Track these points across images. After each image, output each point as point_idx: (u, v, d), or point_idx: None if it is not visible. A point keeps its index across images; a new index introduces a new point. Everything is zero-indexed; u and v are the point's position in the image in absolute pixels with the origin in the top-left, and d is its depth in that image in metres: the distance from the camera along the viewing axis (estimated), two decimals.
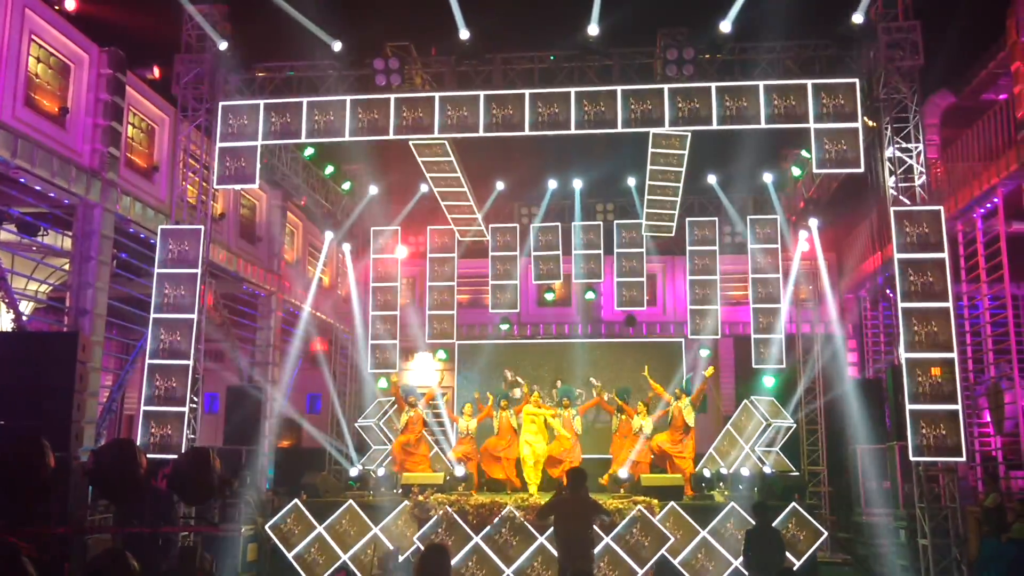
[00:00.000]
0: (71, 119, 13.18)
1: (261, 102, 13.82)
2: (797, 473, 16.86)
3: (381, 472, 15.53)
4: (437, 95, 13.49)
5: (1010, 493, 14.67)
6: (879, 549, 14.96)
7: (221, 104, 13.91)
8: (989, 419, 16.30)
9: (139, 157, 15.12)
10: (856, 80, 12.86)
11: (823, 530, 13.93)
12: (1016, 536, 12.84)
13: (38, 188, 12.58)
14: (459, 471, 15.21)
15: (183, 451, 12.75)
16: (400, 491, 15.03)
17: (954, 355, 12.04)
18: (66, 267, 13.77)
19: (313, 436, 19.55)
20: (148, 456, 8.95)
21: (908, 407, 11.93)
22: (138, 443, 11.88)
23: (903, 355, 12.10)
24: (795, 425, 17.74)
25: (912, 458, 11.95)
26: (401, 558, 13.65)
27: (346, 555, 13.89)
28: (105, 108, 13.60)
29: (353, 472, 16.02)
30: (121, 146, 14.09)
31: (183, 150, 14.42)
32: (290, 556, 14.18)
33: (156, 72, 15.19)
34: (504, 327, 20.62)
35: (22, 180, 12.24)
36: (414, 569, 6.68)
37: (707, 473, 15.51)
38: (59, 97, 13.10)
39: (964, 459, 12.19)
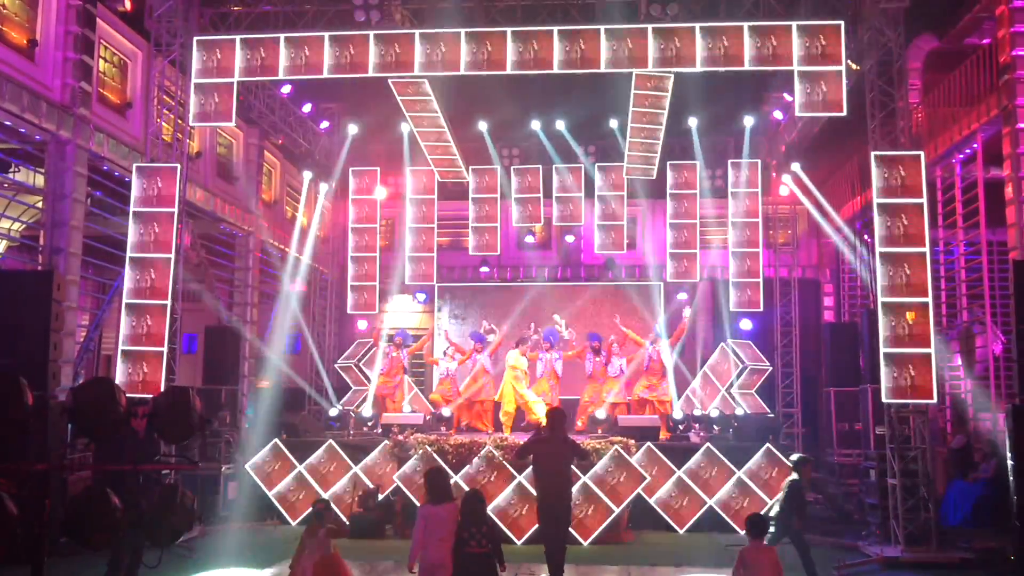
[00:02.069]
0: (40, 52, 12.82)
1: (237, 37, 13.50)
2: (771, 414, 17.16)
3: (369, 412, 15.62)
4: (417, 32, 13.23)
5: (978, 435, 15.01)
6: (849, 488, 15.33)
7: (196, 39, 13.57)
8: (960, 363, 16.58)
9: (112, 93, 14.78)
10: (841, 22, 12.74)
11: None
12: (982, 476, 13.20)
13: (8, 123, 12.28)
14: (446, 411, 15.34)
15: (162, 390, 12.74)
16: (380, 431, 15.17)
17: (929, 299, 12.18)
18: (39, 205, 13.55)
19: (293, 376, 19.58)
20: (127, 395, 8.89)
21: (882, 350, 12.09)
22: (116, 382, 11.84)
23: (879, 299, 12.22)
24: (771, 368, 18.00)
25: (884, 400, 12.15)
26: (381, 497, 13.83)
27: (326, 493, 14.05)
28: (75, 41, 13.23)
29: (333, 412, 16.12)
30: (93, 81, 13.75)
31: (157, 86, 14.11)
32: (270, 494, 14.34)
33: (128, 4, 14.75)
34: (484, 270, 20.60)
35: None
36: (425, 486, 8.12)
37: (677, 415, 15.74)
38: (27, 29, 12.73)
39: (935, 401, 12.43)
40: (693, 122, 18.33)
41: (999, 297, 15.45)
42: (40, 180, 13.52)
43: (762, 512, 10.75)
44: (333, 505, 13.59)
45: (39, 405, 7.89)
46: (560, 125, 18.77)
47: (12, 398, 5.45)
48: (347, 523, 13.34)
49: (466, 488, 12.97)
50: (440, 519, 7.50)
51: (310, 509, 8.70)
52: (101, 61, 14.42)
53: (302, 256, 19.76)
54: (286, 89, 17.85)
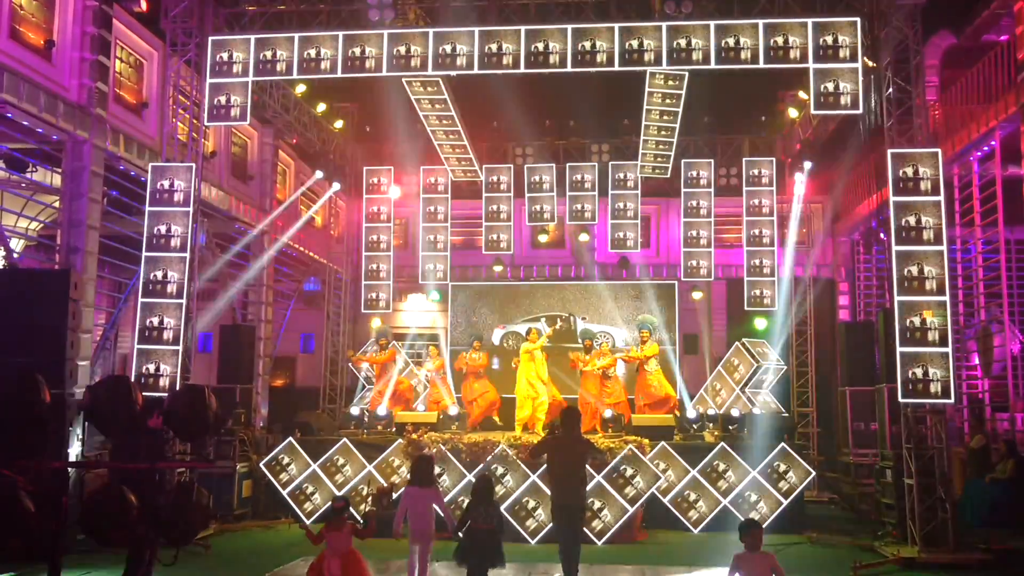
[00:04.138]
0: (57, 53, 12.90)
1: (252, 37, 13.55)
2: (787, 414, 17.08)
3: (383, 411, 15.66)
4: (431, 30, 13.23)
5: (995, 435, 14.89)
6: (865, 488, 15.23)
7: (211, 39, 13.62)
8: (977, 362, 16.46)
9: (128, 93, 14.87)
10: (857, 19, 12.65)
11: (811, 470, 14.16)
12: (999, 476, 13.10)
13: (26, 123, 12.37)
14: (453, 410, 15.36)
15: (177, 389, 12.81)
16: (394, 429, 15.19)
17: (946, 298, 12.08)
18: (56, 204, 13.64)
19: (307, 375, 19.68)
20: (143, 393, 8.95)
21: (898, 349, 11.99)
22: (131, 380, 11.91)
23: (895, 297, 12.13)
24: (786, 367, 17.91)
25: (901, 399, 12.06)
26: (395, 495, 13.84)
27: (340, 492, 14.07)
28: (92, 41, 13.31)
29: (354, 411, 16.16)
30: (109, 81, 13.83)
31: (172, 86, 14.17)
32: (284, 493, 14.37)
33: (143, 5, 14.82)
34: (497, 268, 20.60)
35: (9, 115, 12.03)
36: (411, 473, 9.57)
37: (691, 414, 15.68)
38: (44, 30, 12.81)
39: (952, 401, 12.32)
40: (707, 120, 18.26)
41: (1017, 296, 15.35)
42: (57, 180, 13.62)
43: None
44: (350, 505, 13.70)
45: (56, 403, 7.96)
46: (573, 123, 18.73)
47: (30, 396, 5.50)
48: (361, 522, 13.36)
49: None
50: (421, 498, 9.00)
51: (328, 505, 9.03)
52: (117, 61, 14.50)
53: (316, 255, 19.74)
54: (300, 88, 17.90)
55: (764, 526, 12.99)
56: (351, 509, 13.47)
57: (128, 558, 8.48)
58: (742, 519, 13.22)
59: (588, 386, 15.56)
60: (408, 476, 13.60)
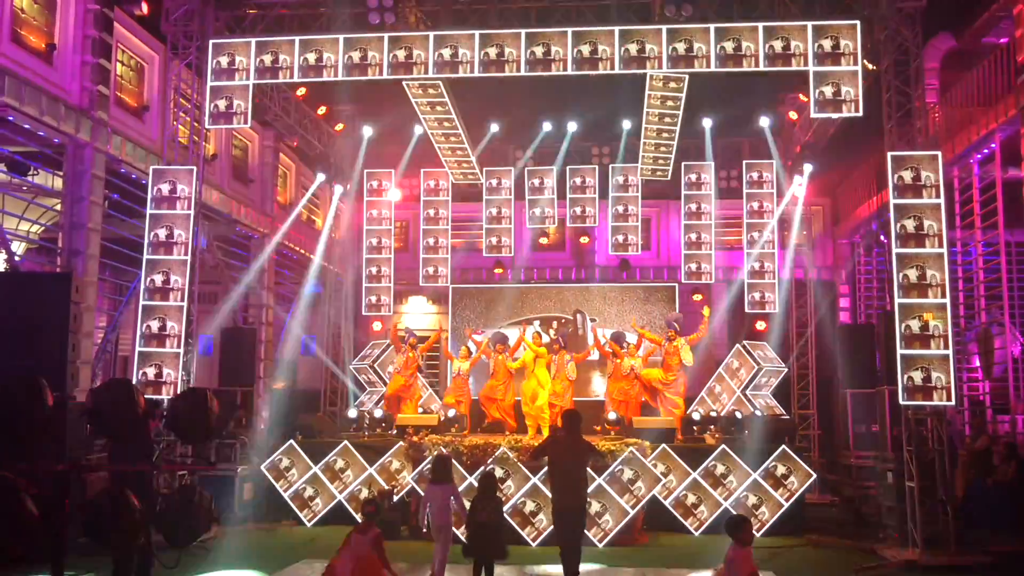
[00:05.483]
0: (59, 56, 12.94)
1: (252, 40, 13.57)
2: (787, 416, 17.08)
3: (379, 413, 15.66)
4: (432, 34, 13.25)
5: (996, 437, 14.89)
6: (866, 491, 15.22)
7: (212, 42, 13.65)
8: (978, 364, 16.46)
9: (129, 96, 14.90)
10: (857, 22, 12.67)
11: (812, 472, 14.16)
12: (1001, 479, 13.09)
13: (27, 126, 12.40)
14: (450, 413, 15.37)
15: (178, 391, 12.82)
16: (395, 432, 15.19)
17: (947, 300, 12.08)
18: (58, 207, 13.67)
19: (308, 378, 19.65)
20: (145, 396, 8.98)
21: (899, 351, 12.00)
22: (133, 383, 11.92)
23: (896, 300, 12.14)
24: (786, 369, 17.91)
25: (902, 402, 12.06)
26: (396, 498, 13.85)
27: (341, 495, 14.08)
28: (93, 45, 13.35)
29: (352, 413, 16.16)
30: (111, 84, 13.87)
31: (174, 89, 14.20)
32: (286, 495, 14.38)
33: (144, 8, 14.85)
34: (498, 271, 20.61)
35: (11, 118, 12.07)
36: (430, 471, 10.07)
37: (696, 416, 15.67)
38: (46, 33, 12.85)
39: (953, 403, 12.32)
40: (707, 123, 18.27)
41: (1018, 298, 15.34)
42: (58, 183, 13.64)
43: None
44: (346, 505, 13.66)
45: (58, 406, 7.96)
46: (574, 126, 18.75)
47: (32, 399, 5.51)
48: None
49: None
50: (438, 495, 9.54)
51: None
52: (118, 64, 14.54)
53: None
54: (301, 91, 17.92)
55: (764, 529, 13.12)
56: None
57: (113, 563, 8.37)
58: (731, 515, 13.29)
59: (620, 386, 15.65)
60: (407, 479, 13.73)
